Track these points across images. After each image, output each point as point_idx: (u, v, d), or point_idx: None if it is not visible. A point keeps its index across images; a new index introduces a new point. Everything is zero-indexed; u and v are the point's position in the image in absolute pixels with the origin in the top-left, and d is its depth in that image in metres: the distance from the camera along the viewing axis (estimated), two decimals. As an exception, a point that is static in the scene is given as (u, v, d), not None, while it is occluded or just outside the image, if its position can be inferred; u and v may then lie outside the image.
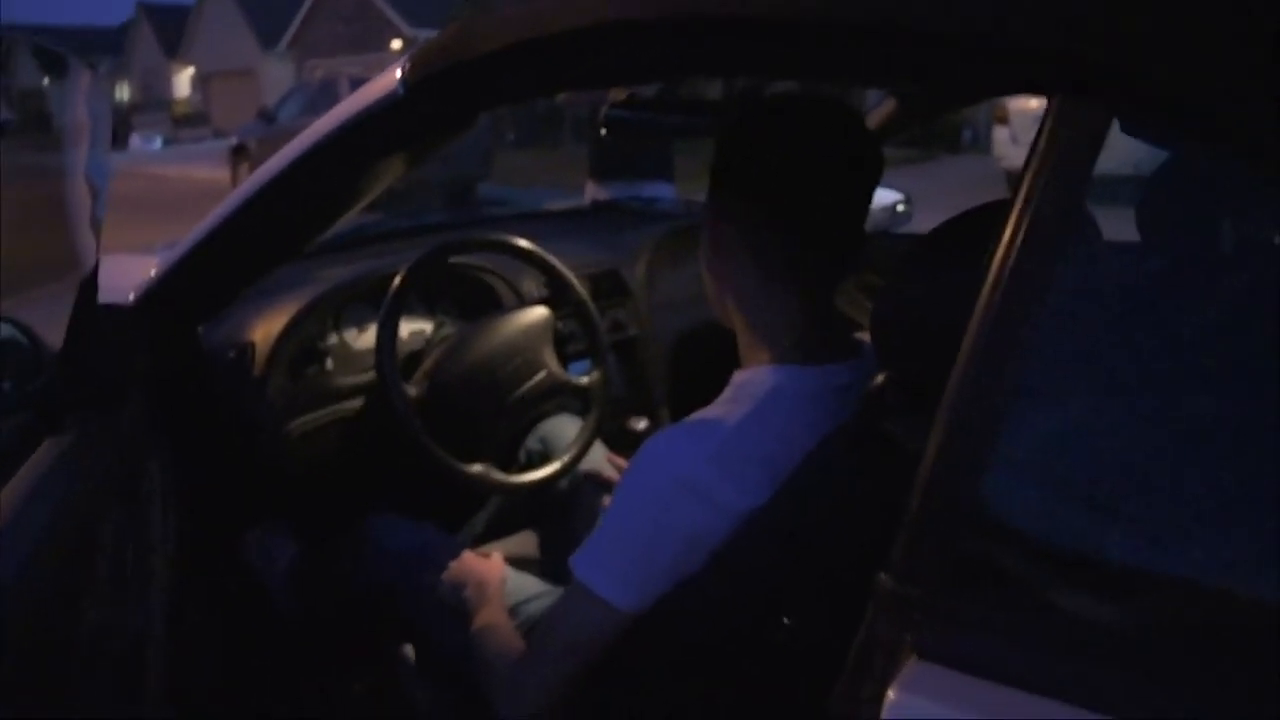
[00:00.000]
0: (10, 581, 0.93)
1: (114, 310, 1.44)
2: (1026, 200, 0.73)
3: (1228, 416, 0.70)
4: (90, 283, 1.26)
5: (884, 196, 2.68)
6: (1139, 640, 0.65)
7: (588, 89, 1.83)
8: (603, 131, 1.91)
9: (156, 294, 1.48)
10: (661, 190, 3.80)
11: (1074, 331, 0.74)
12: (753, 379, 1.10)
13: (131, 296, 1.49)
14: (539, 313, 1.84)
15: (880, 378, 0.95)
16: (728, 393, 1.11)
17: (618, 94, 2.04)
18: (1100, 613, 0.67)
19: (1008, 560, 0.68)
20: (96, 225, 1.27)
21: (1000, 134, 10.30)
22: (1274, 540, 0.65)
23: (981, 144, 12.64)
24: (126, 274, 1.52)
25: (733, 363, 1.15)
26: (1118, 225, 0.97)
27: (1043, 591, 0.68)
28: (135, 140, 25.19)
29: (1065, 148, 0.74)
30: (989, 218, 0.83)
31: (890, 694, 0.65)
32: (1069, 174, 0.74)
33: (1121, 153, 0.82)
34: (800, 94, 1.20)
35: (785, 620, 0.96)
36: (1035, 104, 9.92)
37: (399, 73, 1.12)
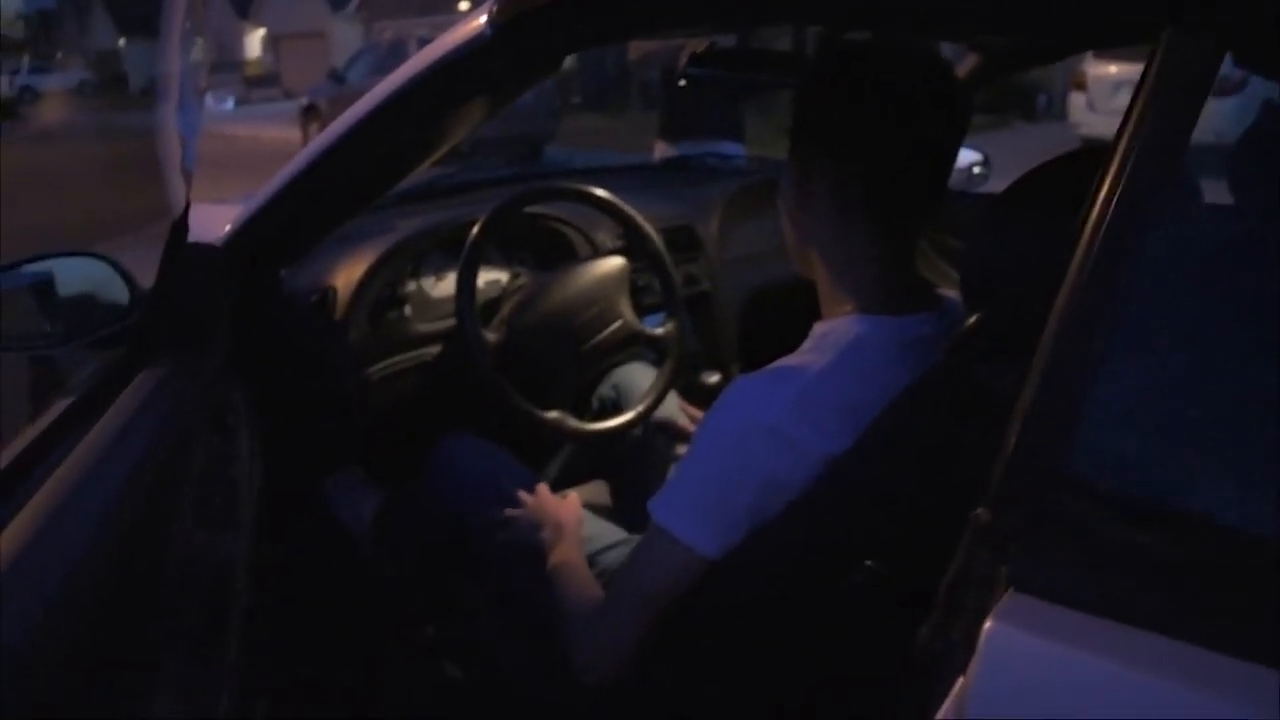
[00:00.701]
0: (111, 506, 0.96)
1: (202, 250, 1.46)
2: (1130, 143, 0.72)
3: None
4: (181, 224, 1.29)
5: (962, 156, 2.64)
6: (1219, 581, 0.65)
7: (672, 31, 1.81)
8: (681, 83, 1.90)
9: (242, 237, 1.51)
10: (731, 149, 3.78)
11: (1172, 279, 0.74)
12: (835, 328, 1.09)
13: (219, 239, 1.52)
14: (615, 262, 1.85)
15: (970, 321, 0.94)
16: (809, 342, 1.11)
17: (696, 47, 2.03)
18: (1183, 553, 0.66)
19: (1102, 497, 0.68)
20: (187, 174, 1.30)
21: (1077, 100, 10.06)
22: None
23: (1056, 110, 12.37)
24: (214, 221, 1.55)
25: (804, 320, 1.15)
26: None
27: (1133, 529, 0.67)
28: (208, 100, 25.56)
29: (1171, 87, 0.73)
30: (1084, 163, 0.82)
31: (988, 625, 0.65)
32: (1174, 116, 0.72)
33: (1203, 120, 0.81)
34: (882, 40, 1.18)
35: (868, 563, 0.95)
36: (1115, 69, 9.71)
37: (486, 15, 1.13)
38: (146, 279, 1.31)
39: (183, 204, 1.28)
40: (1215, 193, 1.00)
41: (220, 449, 1.31)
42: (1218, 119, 0.95)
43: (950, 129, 1.09)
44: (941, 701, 0.69)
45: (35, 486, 0.88)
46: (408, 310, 1.83)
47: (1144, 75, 0.75)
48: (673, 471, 1.68)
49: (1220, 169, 1.03)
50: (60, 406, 1.12)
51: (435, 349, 1.84)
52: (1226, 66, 0.75)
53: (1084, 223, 0.72)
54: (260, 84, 31.58)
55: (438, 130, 1.37)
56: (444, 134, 1.38)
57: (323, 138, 1.38)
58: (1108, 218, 0.70)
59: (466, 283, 1.65)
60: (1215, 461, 0.69)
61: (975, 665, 0.66)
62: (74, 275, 1.36)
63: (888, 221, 1.10)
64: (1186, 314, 0.73)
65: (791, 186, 1.13)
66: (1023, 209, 0.96)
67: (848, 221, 1.09)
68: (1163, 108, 0.73)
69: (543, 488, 1.48)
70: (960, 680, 0.67)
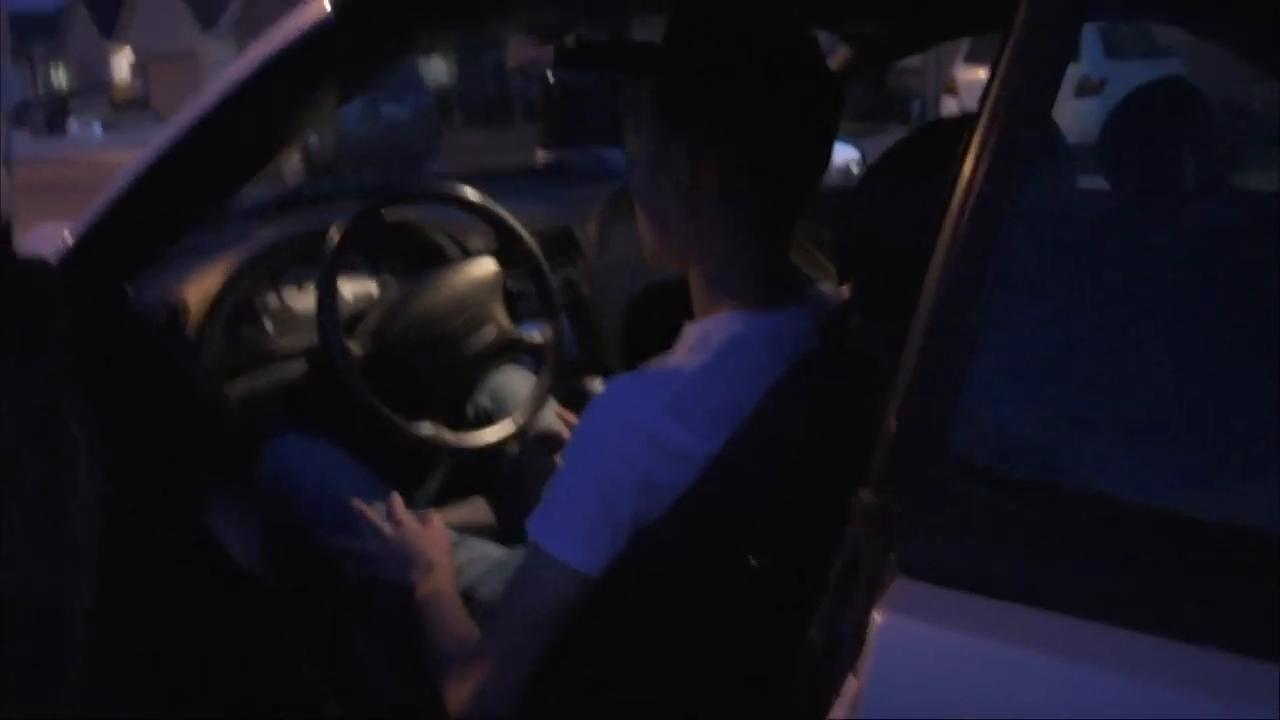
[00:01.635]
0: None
1: (32, 265, 1.36)
2: (995, 106, 0.70)
3: (1194, 338, 0.69)
4: (3, 235, 1.18)
5: (840, 153, 2.66)
6: (1111, 554, 0.63)
7: (514, 15, 1.76)
8: (548, 76, 1.86)
9: (79, 250, 1.40)
10: (611, 154, 3.75)
11: (1046, 247, 0.72)
12: (709, 327, 1.05)
13: (54, 253, 1.42)
14: (487, 264, 1.78)
15: (843, 291, 0.91)
16: (684, 342, 1.07)
17: (568, 42, 1.98)
18: (1075, 525, 0.63)
19: (987, 473, 0.64)
20: (8, 166, 1.19)
21: (949, 104, 10.44)
22: (1238, 458, 0.65)
23: (930, 115, 12.74)
24: (55, 236, 1.45)
25: (685, 322, 1.10)
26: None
27: (1019, 505, 0.64)
28: (74, 126, 24.67)
29: (1034, 48, 0.70)
30: (947, 132, 0.80)
31: (877, 615, 0.61)
32: (1039, 75, 0.70)
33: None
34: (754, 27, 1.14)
35: (751, 560, 0.91)
36: (983, 74, 10.07)
37: (329, -1, 1.06)
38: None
39: (6, 214, 1.17)
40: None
41: (52, 479, 1.20)
42: (1082, 119, 0.97)
43: (829, 119, 1.06)
44: (834, 698, 0.64)
45: None
46: (268, 325, 1.73)
47: (1005, 36, 0.73)
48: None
49: (1089, 168, 1.03)
50: None
51: (300, 366, 1.74)
52: (1088, 67, 0.75)
53: (952, 190, 0.69)
54: (129, 108, 30.58)
55: (286, 121, 1.29)
56: (293, 125, 1.31)
57: (162, 135, 1.29)
58: (977, 184, 0.68)
59: (326, 292, 1.56)
60: (1100, 433, 0.67)
61: (866, 657, 0.62)
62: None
63: (773, 212, 1.06)
64: (1062, 283, 0.72)
65: (667, 180, 1.05)
66: (890, 181, 0.94)
67: (734, 214, 1.04)
68: (1029, 66, 0.71)
69: (402, 513, 1.37)
70: (851, 675, 0.63)
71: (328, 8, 1.05)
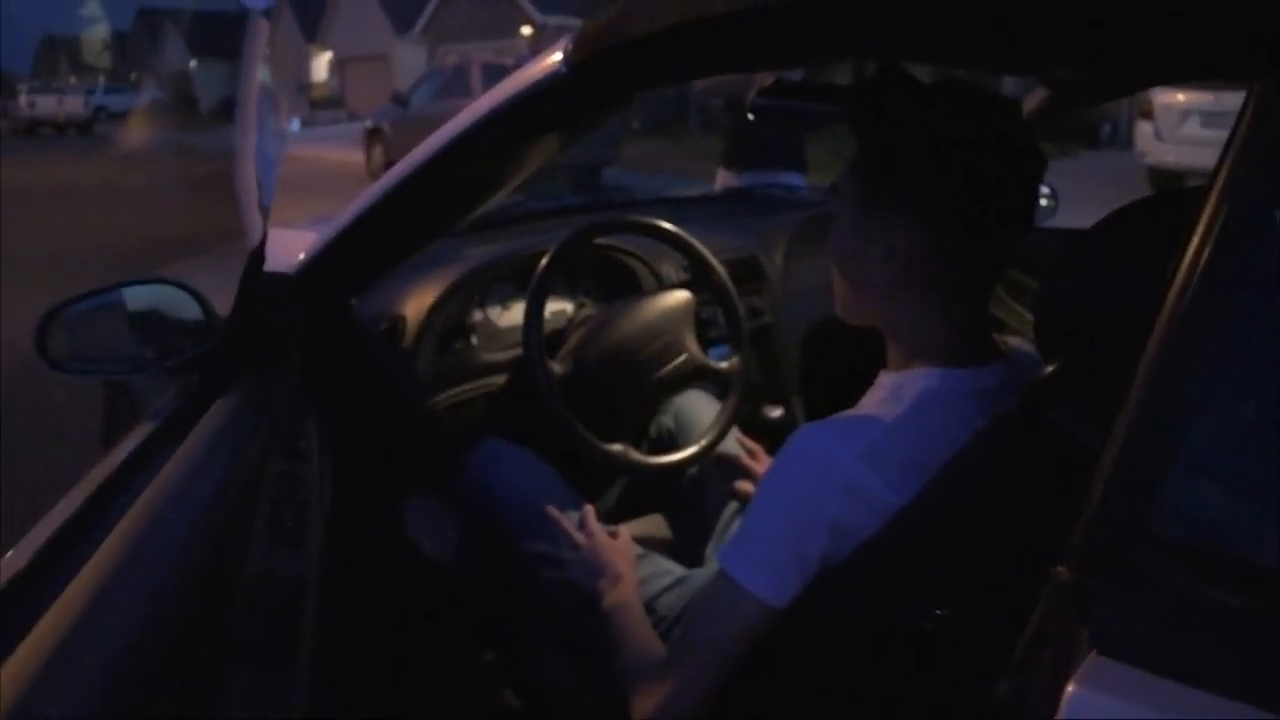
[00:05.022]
0: (191, 530, 0.98)
1: (278, 279, 1.49)
2: (1223, 191, 0.70)
3: None
4: (258, 254, 1.31)
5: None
6: None
7: (749, 70, 1.82)
8: (750, 117, 1.90)
9: (315, 266, 1.54)
10: (794, 180, 3.78)
11: (1266, 331, 0.71)
12: (903, 381, 1.08)
13: (292, 267, 1.55)
14: (681, 295, 1.85)
15: (1049, 369, 0.93)
16: (878, 393, 1.10)
17: (763, 80, 2.03)
18: (1276, 619, 0.64)
19: (1191, 558, 0.66)
20: (264, 208, 1.32)
21: (1143, 129, 9.90)
22: None
23: (1121, 140, 12.20)
24: (285, 248, 1.58)
25: (866, 354, 1.13)
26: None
27: (1224, 593, 0.65)
28: (275, 122, 25.97)
29: (1266, 136, 0.71)
30: (1170, 206, 0.80)
31: (1070, 688, 0.63)
32: (1270, 164, 0.70)
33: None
34: (949, 81, 1.14)
35: (938, 612, 0.94)
36: (1183, 97, 9.54)
37: (561, 53, 1.14)
38: (218, 298, 1.34)
39: (260, 235, 1.30)
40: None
41: (292, 473, 1.33)
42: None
43: (1032, 179, 1.07)
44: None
45: (120, 514, 0.90)
46: (474, 340, 1.85)
47: (1239, 118, 0.74)
48: (731, 509, 1.67)
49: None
50: (141, 433, 1.15)
51: (500, 379, 1.86)
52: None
53: (1176, 267, 0.70)
54: (325, 106, 32.16)
55: (511, 163, 1.38)
56: (517, 167, 1.40)
57: (398, 169, 1.40)
58: (1201, 264, 0.69)
59: (535, 313, 1.66)
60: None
61: None
62: (153, 301, 1.39)
63: (971, 280, 1.08)
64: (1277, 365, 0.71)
65: (874, 248, 1.07)
66: (1105, 251, 0.95)
67: (932, 282, 1.06)
68: (1259, 152, 0.71)
69: (594, 525, 1.46)
70: None
71: (562, 66, 1.13)
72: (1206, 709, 0.61)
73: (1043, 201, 2.87)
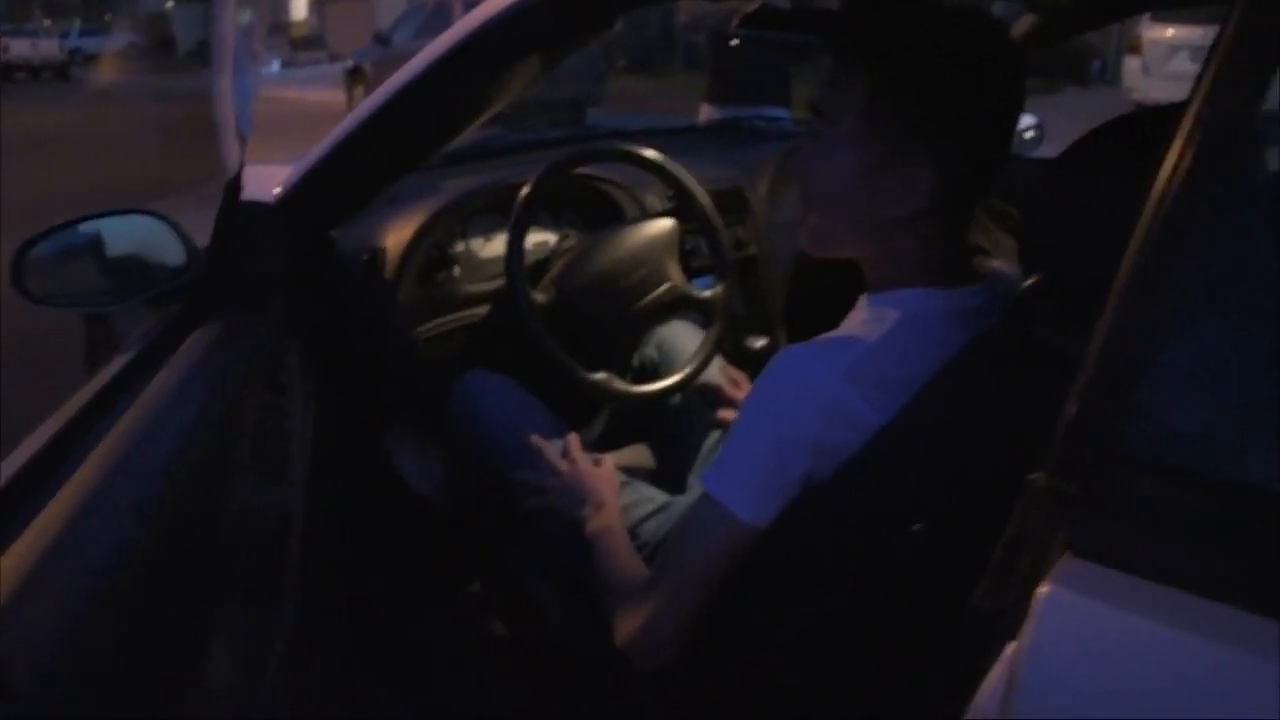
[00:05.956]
0: (170, 458, 0.98)
1: (256, 209, 1.48)
2: (1201, 105, 0.70)
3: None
4: (235, 184, 1.30)
5: (1014, 119, 2.60)
6: None
7: None
8: (733, 42, 1.88)
9: (294, 197, 1.52)
10: (777, 112, 3.75)
11: (1245, 241, 0.72)
12: (884, 302, 1.08)
13: (272, 199, 1.54)
14: (665, 224, 1.85)
15: (1031, 280, 0.93)
16: (861, 314, 1.09)
17: (747, 8, 2.00)
18: (1247, 523, 0.65)
19: (1165, 468, 0.67)
20: (241, 137, 1.30)
21: (1131, 64, 9.85)
22: None
23: (1110, 75, 12.13)
24: (266, 182, 1.57)
25: (851, 284, 1.12)
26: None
27: (1197, 500, 0.66)
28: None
29: (1250, 44, 0.70)
30: (1144, 127, 0.80)
31: (1043, 588, 0.64)
32: (1253, 71, 0.70)
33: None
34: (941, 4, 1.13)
35: (915, 527, 0.95)
36: (1171, 32, 9.48)
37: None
38: (201, 237, 1.33)
39: (237, 165, 1.29)
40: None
41: (274, 405, 1.33)
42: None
43: (1018, 98, 1.06)
44: (992, 664, 0.68)
45: (98, 438, 0.90)
46: (456, 271, 1.84)
47: (1218, 37, 0.73)
48: (713, 437, 1.68)
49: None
50: (120, 362, 1.14)
51: (483, 309, 1.85)
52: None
53: (1151, 186, 0.70)
54: (306, 46, 31.66)
55: (489, 90, 1.37)
56: (495, 94, 1.38)
57: (374, 97, 1.38)
58: (1176, 182, 0.69)
59: (516, 243, 1.65)
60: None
61: (1029, 627, 0.65)
62: (130, 234, 1.37)
63: (960, 197, 1.07)
64: (1256, 282, 0.72)
65: (878, 175, 1.04)
66: (1082, 172, 0.95)
67: (925, 203, 1.04)
68: (1237, 69, 0.71)
69: (577, 452, 1.46)
70: (1013, 643, 0.67)
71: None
72: (1179, 607, 0.62)
73: (1028, 134, 2.86)
